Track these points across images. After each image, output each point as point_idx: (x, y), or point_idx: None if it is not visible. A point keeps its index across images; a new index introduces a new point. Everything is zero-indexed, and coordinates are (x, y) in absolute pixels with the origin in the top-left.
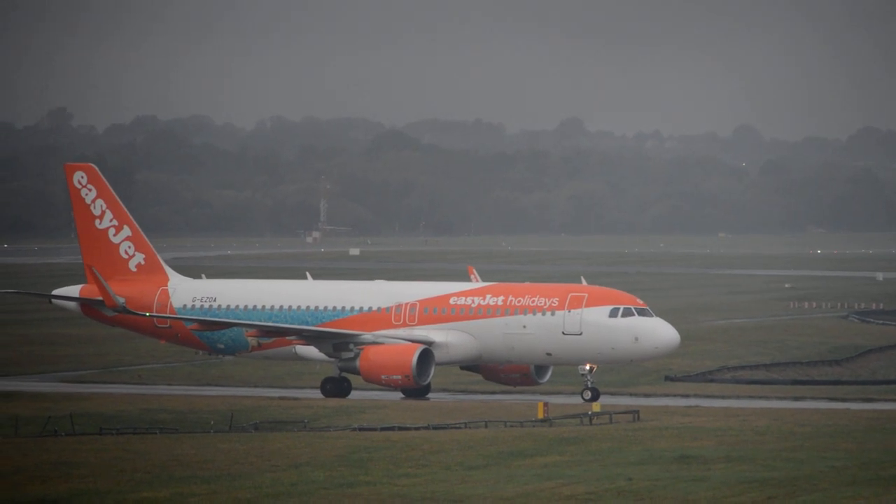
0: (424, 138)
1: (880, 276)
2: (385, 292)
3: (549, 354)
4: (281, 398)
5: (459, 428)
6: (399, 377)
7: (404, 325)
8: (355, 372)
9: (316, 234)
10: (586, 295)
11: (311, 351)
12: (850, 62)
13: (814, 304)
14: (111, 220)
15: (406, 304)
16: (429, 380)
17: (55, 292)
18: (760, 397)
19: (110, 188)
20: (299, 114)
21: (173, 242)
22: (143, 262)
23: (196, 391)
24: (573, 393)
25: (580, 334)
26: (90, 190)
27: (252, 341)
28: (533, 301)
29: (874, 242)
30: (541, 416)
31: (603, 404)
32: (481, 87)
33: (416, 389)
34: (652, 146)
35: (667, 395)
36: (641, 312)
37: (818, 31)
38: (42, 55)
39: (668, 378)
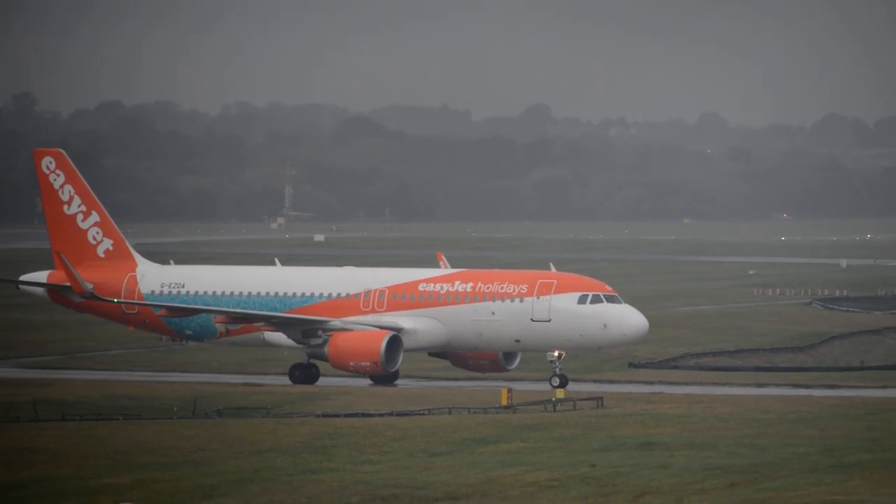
0: (390, 124)
1: (844, 262)
2: (354, 279)
3: (517, 341)
4: (244, 384)
5: (423, 415)
6: (367, 364)
7: (373, 311)
8: (324, 358)
9: (281, 220)
10: (555, 282)
11: (279, 337)
12: (816, 49)
13: (778, 291)
14: (79, 206)
15: (375, 290)
16: (397, 366)
17: (22, 278)
18: (724, 384)
19: (79, 174)
20: (264, 99)
21: (138, 228)
22: (111, 248)
23: (159, 377)
24: (541, 380)
25: (549, 321)
26: (58, 175)
27: (220, 328)
28: (502, 288)
29: (839, 230)
30: (504, 402)
31: (567, 391)
32: (447, 73)
33: (384, 376)
34: (617, 133)
35: (630, 382)
36: (610, 299)
37: (783, 18)
38: (6, 41)
39: (631, 365)
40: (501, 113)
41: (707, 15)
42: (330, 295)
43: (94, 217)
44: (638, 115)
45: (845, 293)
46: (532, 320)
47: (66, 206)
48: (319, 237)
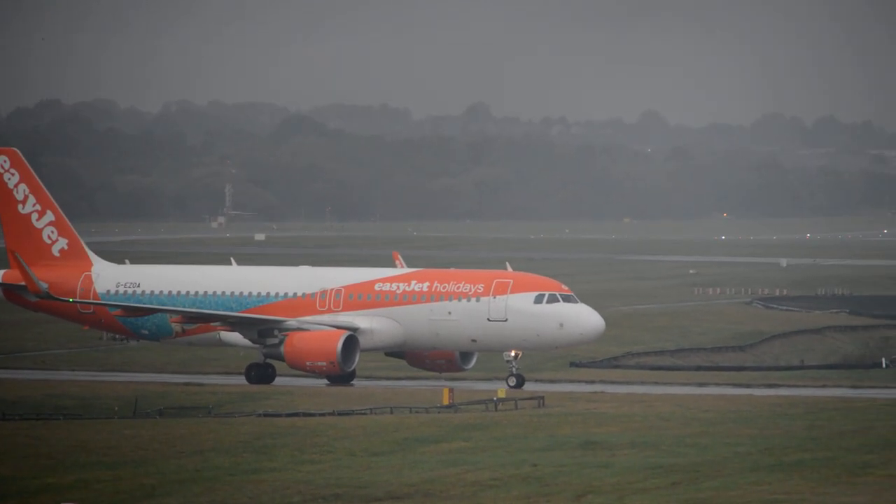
0: (330, 123)
1: (784, 262)
2: (310, 278)
3: (474, 341)
4: (185, 384)
5: (365, 414)
6: (324, 363)
7: (329, 311)
8: (280, 358)
9: (221, 219)
10: (511, 281)
11: (235, 337)
12: (755, 49)
13: (718, 291)
14: (34, 205)
15: (331, 289)
16: (354, 366)
17: None
18: (665, 383)
19: (33, 172)
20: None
21: (78, 227)
22: (66, 248)
23: (100, 377)
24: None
25: (505, 321)
26: (13, 174)
27: (176, 327)
28: (458, 287)
29: (779, 228)
30: (446, 402)
31: (507, 390)
32: (387, 71)
33: (341, 376)
34: (558, 132)
35: (572, 381)
36: (566, 299)
37: (723, 16)
38: None
39: (573, 364)
40: (442, 112)
41: (647, 15)
42: (286, 294)
43: (49, 216)
44: (578, 115)
45: (785, 292)
46: (488, 320)
47: (20, 206)
48: (260, 236)
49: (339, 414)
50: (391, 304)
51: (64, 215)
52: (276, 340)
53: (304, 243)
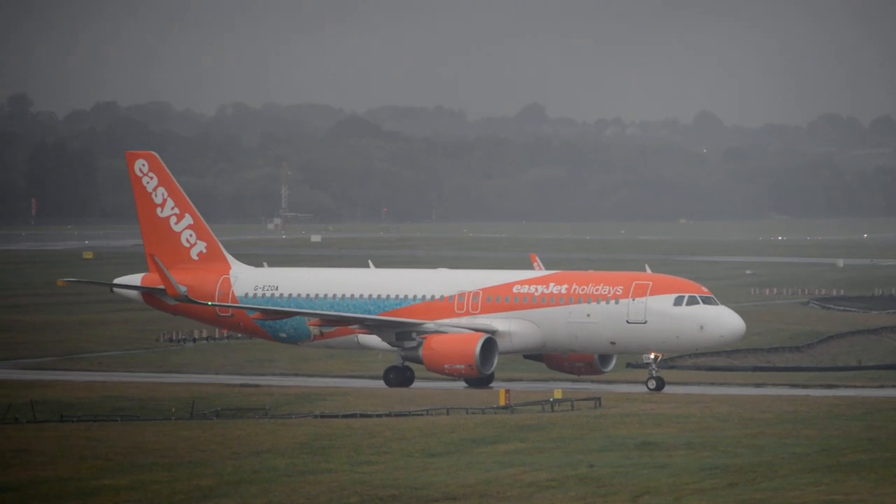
0: (385, 125)
1: (841, 262)
2: (447, 281)
3: (613, 343)
4: (242, 385)
5: (421, 415)
6: (462, 366)
7: (467, 313)
8: (418, 361)
9: (277, 220)
10: (650, 283)
11: (373, 340)
12: (811, 49)
13: (774, 291)
14: (172, 209)
15: (469, 292)
16: (492, 369)
17: (116, 280)
18: (722, 384)
19: (171, 176)
20: (260, 100)
21: (134, 229)
22: (204, 251)
23: (157, 378)
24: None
25: (644, 323)
26: (151, 178)
27: (314, 330)
28: (597, 289)
29: (835, 229)
30: (502, 403)
31: (564, 391)
32: (442, 73)
33: (479, 379)
34: (613, 133)
35: (628, 382)
36: (706, 300)
37: (779, 18)
38: (2, 42)
39: (629, 365)
40: (497, 113)
41: (703, 15)
42: (424, 297)
43: (188, 219)
44: (634, 115)
45: (842, 293)
46: (627, 322)
47: (159, 209)
48: (316, 238)
49: (396, 415)
50: (529, 307)
51: (202, 219)
52: (414, 343)
53: (361, 245)
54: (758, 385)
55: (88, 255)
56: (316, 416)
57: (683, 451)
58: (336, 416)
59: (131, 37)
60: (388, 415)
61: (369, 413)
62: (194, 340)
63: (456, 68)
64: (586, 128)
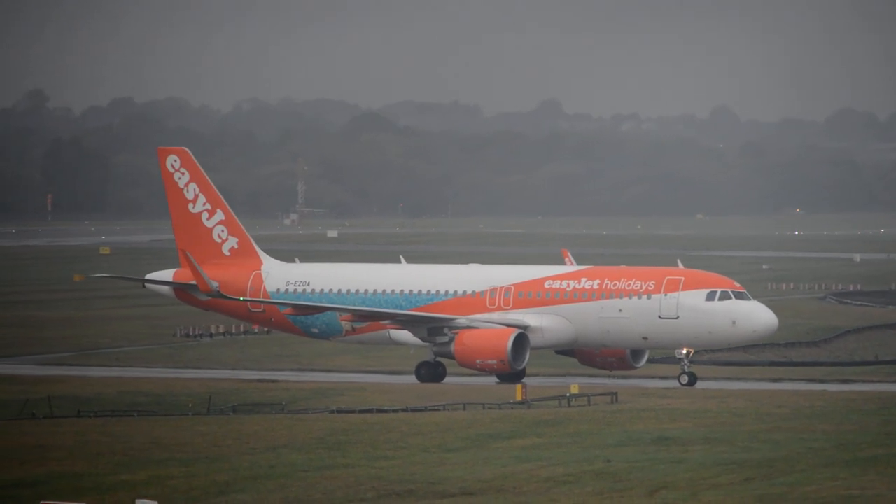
0: (401, 120)
1: (858, 257)
2: (479, 276)
3: (645, 339)
4: (259, 381)
5: (437, 410)
6: (494, 362)
7: (499, 308)
8: (450, 356)
9: (294, 216)
10: (683, 278)
11: (405, 335)
12: (828, 43)
13: (791, 286)
14: (204, 204)
15: (500, 287)
16: (524, 364)
17: (148, 276)
18: (738, 379)
19: (203, 172)
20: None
21: (150, 225)
22: (236, 246)
23: (173, 374)
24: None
25: (677, 318)
26: (183, 174)
27: (346, 326)
28: (629, 285)
29: (852, 224)
30: (519, 398)
31: (581, 385)
32: (459, 69)
33: (511, 374)
34: (629, 128)
35: (645, 377)
36: (739, 296)
37: (796, 11)
38: (19, 38)
39: (650, 360)
40: (513, 108)
41: (720, 10)
42: (455, 292)
43: (220, 215)
44: (650, 110)
45: (859, 287)
46: (660, 317)
47: (191, 205)
48: (333, 233)
49: (412, 410)
50: (561, 302)
51: (234, 214)
52: (446, 339)
53: (377, 240)
54: (774, 380)
55: (105, 250)
56: (332, 412)
57: (700, 446)
58: (352, 412)
59: (148, 33)
60: (405, 410)
61: (385, 408)
62: (211, 336)
63: (472, 63)
64: (602, 123)
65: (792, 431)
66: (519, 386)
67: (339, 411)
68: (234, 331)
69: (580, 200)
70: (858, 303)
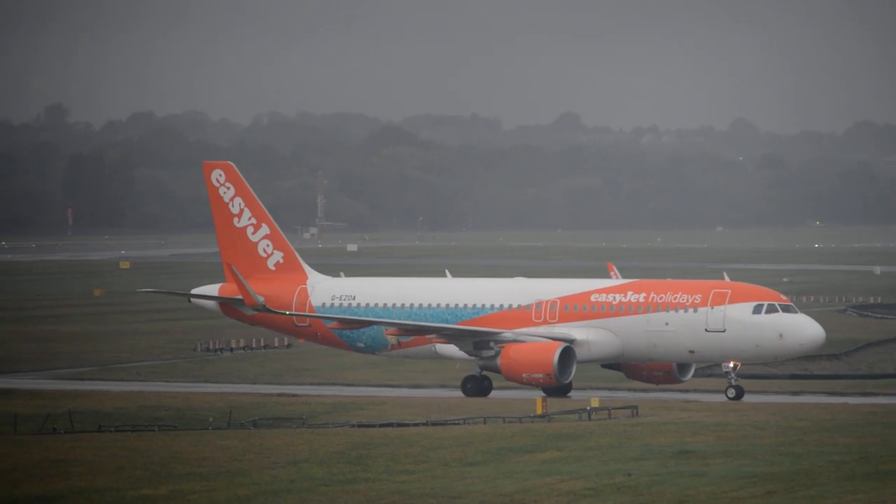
0: (421, 134)
1: (878, 269)
2: (525, 290)
3: (691, 352)
4: (279, 395)
5: (458, 424)
6: (540, 375)
7: (545, 322)
8: (496, 370)
9: (313, 229)
10: (729, 291)
11: (451, 349)
12: (846, 56)
13: (811, 298)
14: (249, 219)
15: (546, 301)
16: (570, 378)
17: (194, 291)
18: (759, 392)
19: (248, 186)
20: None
21: (171, 239)
22: (281, 261)
23: (194, 388)
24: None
25: (724, 331)
26: (228, 188)
27: (392, 340)
28: (675, 298)
29: (872, 236)
30: (539, 411)
31: (602, 399)
32: (477, 82)
33: (557, 388)
34: (648, 141)
35: (665, 390)
36: (786, 309)
37: (814, 25)
38: (39, 52)
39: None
40: (532, 122)
41: (738, 24)
42: (501, 306)
43: (265, 229)
44: (669, 123)
45: (879, 300)
46: (706, 331)
47: (236, 219)
48: (352, 247)
49: (433, 424)
50: (607, 316)
51: (279, 229)
52: (492, 353)
53: (397, 253)
54: (795, 393)
55: (125, 265)
56: (353, 426)
57: (721, 460)
58: (373, 426)
59: (168, 47)
60: (425, 423)
61: (406, 422)
62: (231, 350)
63: (491, 77)
64: (622, 136)
65: (813, 445)
66: (539, 399)
67: (360, 425)
68: (254, 345)
69: (599, 213)
70: (879, 315)
